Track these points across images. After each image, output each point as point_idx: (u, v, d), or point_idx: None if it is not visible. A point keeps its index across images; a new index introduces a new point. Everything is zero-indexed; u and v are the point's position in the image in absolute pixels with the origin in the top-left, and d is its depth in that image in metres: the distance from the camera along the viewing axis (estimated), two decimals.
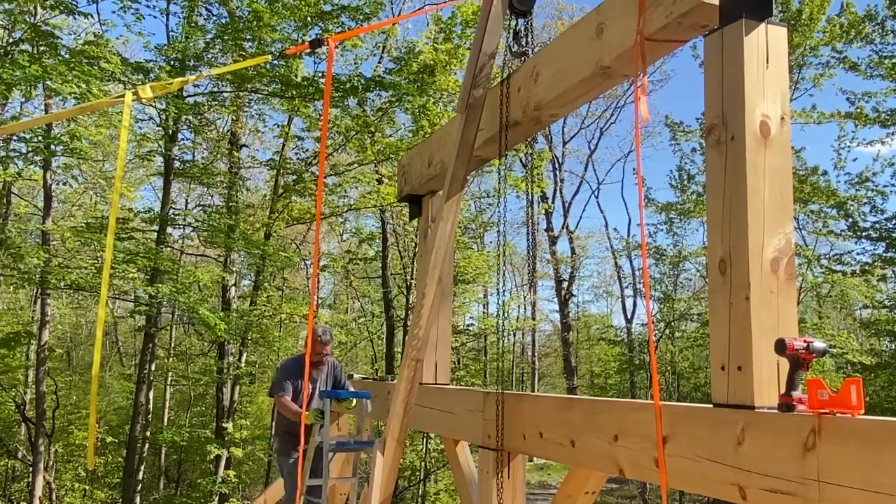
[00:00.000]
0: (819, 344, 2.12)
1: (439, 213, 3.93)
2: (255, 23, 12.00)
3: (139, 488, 15.13)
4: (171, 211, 14.65)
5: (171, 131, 13.84)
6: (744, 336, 2.28)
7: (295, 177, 15.92)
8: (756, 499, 2.15)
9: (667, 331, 23.32)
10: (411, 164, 5.30)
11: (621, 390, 26.39)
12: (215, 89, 14.36)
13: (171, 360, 21.19)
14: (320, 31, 12.70)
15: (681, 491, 8.76)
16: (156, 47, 12.80)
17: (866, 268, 17.24)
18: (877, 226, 16.93)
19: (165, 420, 21.07)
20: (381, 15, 13.57)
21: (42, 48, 11.18)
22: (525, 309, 30.96)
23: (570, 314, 30.19)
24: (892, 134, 16.91)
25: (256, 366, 21.24)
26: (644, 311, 25.53)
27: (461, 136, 3.85)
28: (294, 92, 13.33)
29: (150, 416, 17.67)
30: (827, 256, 19.62)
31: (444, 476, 19.90)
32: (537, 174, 19.27)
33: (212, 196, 20.12)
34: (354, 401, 5.25)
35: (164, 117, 13.65)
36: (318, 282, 17.10)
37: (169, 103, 12.60)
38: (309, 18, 12.55)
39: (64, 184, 16.94)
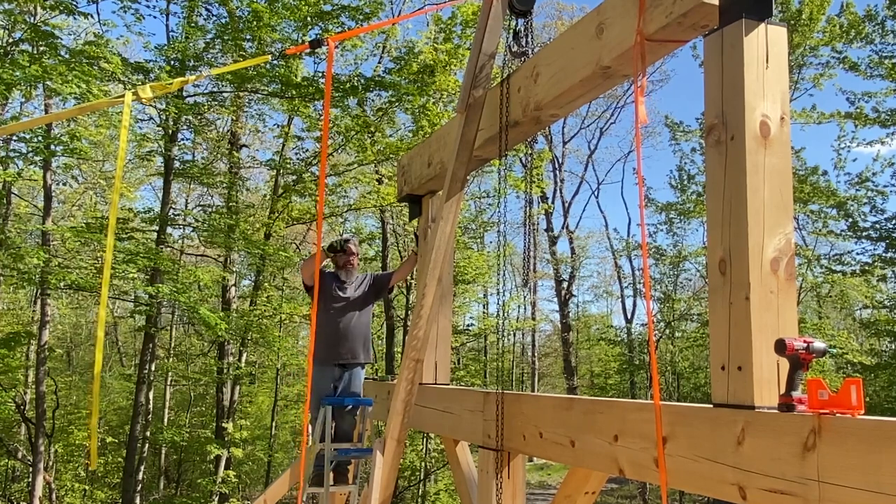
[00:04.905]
0: (819, 344, 2.12)
1: (439, 213, 3.93)
2: (254, 23, 12.00)
3: (139, 488, 15.13)
4: (171, 211, 14.65)
5: (171, 131, 13.85)
6: (744, 336, 2.28)
7: (295, 177, 15.92)
8: (756, 499, 2.15)
9: (667, 331, 23.32)
10: (411, 164, 5.29)
11: (621, 390, 26.41)
12: (215, 89, 14.36)
13: (171, 360, 21.18)
14: (320, 31, 12.69)
15: (681, 491, 8.76)
16: (156, 47, 12.82)
17: (866, 268, 17.23)
18: (877, 226, 16.93)
19: (165, 420, 21.07)
20: (381, 15, 13.57)
21: (42, 48, 11.18)
22: (525, 309, 30.95)
23: (570, 314, 30.20)
24: (892, 134, 16.90)
25: (256, 366, 21.25)
26: (644, 311, 25.57)
27: (461, 136, 3.84)
28: (294, 92, 13.33)
29: (150, 416, 17.66)
30: (827, 256, 19.63)
31: (444, 476, 19.89)
32: (537, 174, 19.25)
33: (212, 196, 20.14)
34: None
35: (164, 117, 13.65)
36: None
37: (169, 103, 12.60)
38: (309, 18, 12.54)
39: (64, 184, 16.96)
